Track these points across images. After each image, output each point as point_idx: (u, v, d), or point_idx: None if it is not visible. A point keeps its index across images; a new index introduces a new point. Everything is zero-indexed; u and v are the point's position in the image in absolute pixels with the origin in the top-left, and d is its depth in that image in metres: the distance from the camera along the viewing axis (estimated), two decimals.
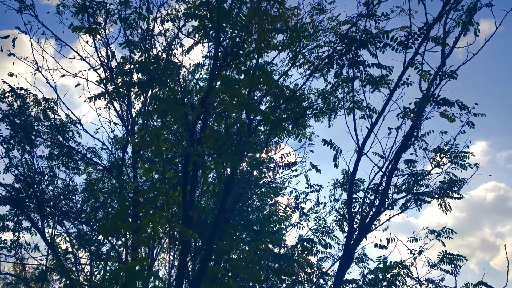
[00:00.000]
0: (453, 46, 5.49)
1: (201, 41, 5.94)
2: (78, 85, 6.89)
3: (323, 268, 7.48)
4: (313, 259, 7.39)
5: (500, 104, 29.02)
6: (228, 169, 6.42)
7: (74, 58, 6.58)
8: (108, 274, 6.76)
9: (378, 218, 6.29)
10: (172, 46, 6.68)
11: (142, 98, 6.54)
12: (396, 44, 5.12)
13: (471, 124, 5.98)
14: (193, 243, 7.88)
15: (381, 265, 6.72)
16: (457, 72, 5.45)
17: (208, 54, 6.21)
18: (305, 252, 7.16)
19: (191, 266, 8.01)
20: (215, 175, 7.79)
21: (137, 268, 6.36)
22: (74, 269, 7.76)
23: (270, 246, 7.12)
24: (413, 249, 6.78)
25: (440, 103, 5.29)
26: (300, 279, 6.95)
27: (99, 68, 7.02)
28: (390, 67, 5.18)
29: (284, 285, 6.85)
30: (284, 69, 7.44)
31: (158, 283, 7.22)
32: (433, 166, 6.07)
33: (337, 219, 7.15)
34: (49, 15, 7.13)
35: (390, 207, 5.87)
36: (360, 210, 5.73)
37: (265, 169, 7.28)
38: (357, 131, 5.37)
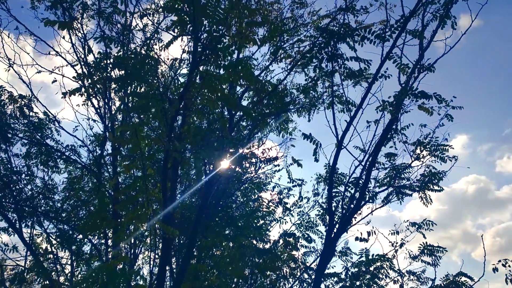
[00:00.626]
0: (431, 39, 5.53)
1: (181, 36, 5.86)
2: (54, 81, 6.73)
3: (307, 262, 7.53)
4: (298, 253, 7.42)
5: (480, 98, 29.66)
6: (211, 166, 6.37)
7: (49, 53, 6.42)
8: (87, 273, 6.63)
9: (360, 212, 6.33)
10: (152, 41, 6.58)
11: (121, 94, 6.41)
12: (374, 37, 5.13)
13: (450, 117, 6.05)
14: (176, 241, 7.81)
15: (363, 258, 6.78)
16: (438, 66, 5.51)
17: (187, 49, 6.12)
18: (289, 247, 7.17)
19: (175, 264, 7.95)
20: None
21: (119, 266, 6.26)
22: (54, 269, 7.61)
23: (254, 241, 7.11)
24: (394, 242, 6.87)
25: (418, 96, 5.33)
26: (283, 274, 6.96)
27: (76, 64, 6.88)
28: (368, 60, 5.20)
29: (268, 280, 6.84)
30: (265, 63, 7.41)
31: (141, 281, 7.12)
32: (413, 159, 6.12)
33: (320, 213, 7.18)
34: (24, 11, 6.93)
35: (370, 200, 5.91)
36: (341, 203, 5.75)
37: (247, 164, 7.24)
38: (336, 124, 5.38)
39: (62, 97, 5.36)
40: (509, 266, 4.90)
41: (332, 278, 6.64)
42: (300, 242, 7.40)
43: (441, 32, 5.74)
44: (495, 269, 5.03)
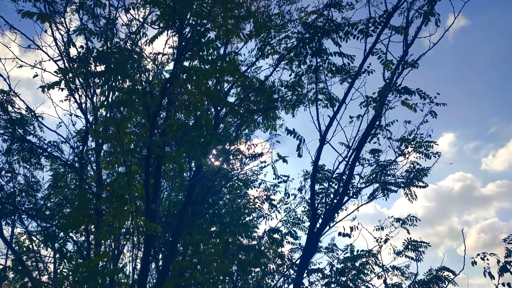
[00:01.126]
0: (415, 36, 5.55)
1: (165, 29, 5.79)
2: (36, 76, 6.60)
3: (293, 259, 7.52)
4: (284, 249, 7.41)
5: (468, 97, 30.12)
6: (194, 162, 6.30)
7: (29, 46, 6.29)
8: (67, 270, 6.53)
9: (345, 208, 6.35)
10: (136, 36, 6.48)
11: (104, 89, 6.30)
12: (357, 31, 5.13)
13: (434, 114, 6.09)
14: (162, 238, 7.74)
15: (348, 254, 6.81)
16: (426, 65, 5.62)
17: (172, 43, 6.05)
18: (275, 244, 7.15)
19: (161, 261, 7.88)
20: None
21: (101, 264, 6.16)
22: (36, 268, 7.47)
23: (240, 238, 7.08)
24: (379, 238, 6.90)
25: (401, 92, 5.35)
26: (268, 270, 6.94)
27: (60, 60, 6.75)
28: (351, 56, 5.20)
29: (250, 276, 6.81)
30: (252, 60, 7.37)
31: (124, 279, 7.03)
32: (397, 155, 6.15)
33: (306, 209, 7.18)
34: (4, 4, 6.75)
35: (354, 196, 5.92)
36: (324, 198, 5.74)
37: (233, 161, 7.20)
38: (320, 120, 5.37)
39: (42, 91, 5.25)
40: (487, 259, 4.95)
41: (317, 274, 6.65)
42: (287, 239, 7.40)
43: (429, 30, 5.79)
44: (473, 263, 5.08)
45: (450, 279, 6.26)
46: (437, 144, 6.44)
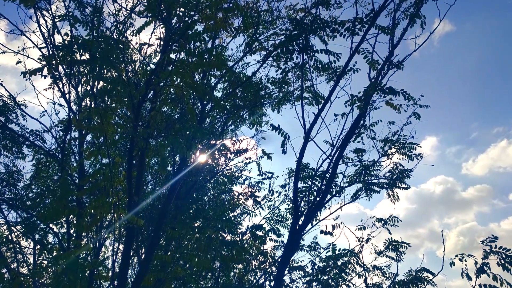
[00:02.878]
0: (401, 37, 5.59)
1: (153, 20, 5.74)
2: (19, 62, 6.47)
3: (276, 256, 7.52)
4: (267, 247, 7.41)
5: (451, 102, 30.62)
6: (178, 155, 6.26)
7: (12, 32, 6.16)
8: (47, 262, 6.42)
9: (328, 207, 6.37)
10: (123, 26, 6.40)
11: (88, 77, 6.21)
12: (344, 29, 5.15)
13: (417, 115, 6.16)
14: (145, 232, 7.68)
15: (330, 253, 6.84)
16: (411, 69, 5.69)
17: (159, 35, 5.99)
18: (258, 241, 7.15)
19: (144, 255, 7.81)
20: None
21: (82, 256, 6.07)
22: (15, 259, 7.34)
23: (223, 234, 7.05)
24: (361, 237, 6.95)
25: (386, 92, 5.39)
26: (250, 267, 6.93)
27: (44, 47, 6.63)
28: (337, 54, 5.22)
29: (233, 272, 6.79)
30: (239, 55, 7.34)
31: (104, 272, 6.95)
32: (380, 155, 6.20)
33: (289, 207, 7.19)
34: None
35: (337, 195, 5.94)
36: (307, 196, 5.76)
37: (218, 156, 7.17)
38: (305, 117, 5.38)
39: (24, 77, 5.14)
40: (465, 261, 5.03)
41: (298, 272, 6.67)
42: (270, 236, 7.40)
43: (415, 32, 5.83)
44: (452, 263, 5.15)
45: (429, 280, 6.33)
46: (420, 146, 6.51)
